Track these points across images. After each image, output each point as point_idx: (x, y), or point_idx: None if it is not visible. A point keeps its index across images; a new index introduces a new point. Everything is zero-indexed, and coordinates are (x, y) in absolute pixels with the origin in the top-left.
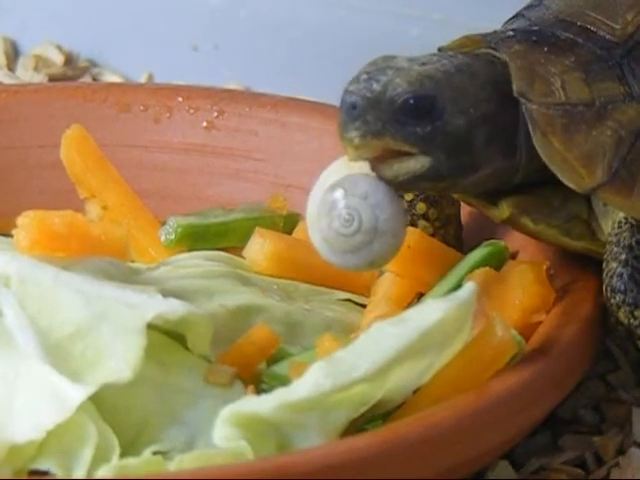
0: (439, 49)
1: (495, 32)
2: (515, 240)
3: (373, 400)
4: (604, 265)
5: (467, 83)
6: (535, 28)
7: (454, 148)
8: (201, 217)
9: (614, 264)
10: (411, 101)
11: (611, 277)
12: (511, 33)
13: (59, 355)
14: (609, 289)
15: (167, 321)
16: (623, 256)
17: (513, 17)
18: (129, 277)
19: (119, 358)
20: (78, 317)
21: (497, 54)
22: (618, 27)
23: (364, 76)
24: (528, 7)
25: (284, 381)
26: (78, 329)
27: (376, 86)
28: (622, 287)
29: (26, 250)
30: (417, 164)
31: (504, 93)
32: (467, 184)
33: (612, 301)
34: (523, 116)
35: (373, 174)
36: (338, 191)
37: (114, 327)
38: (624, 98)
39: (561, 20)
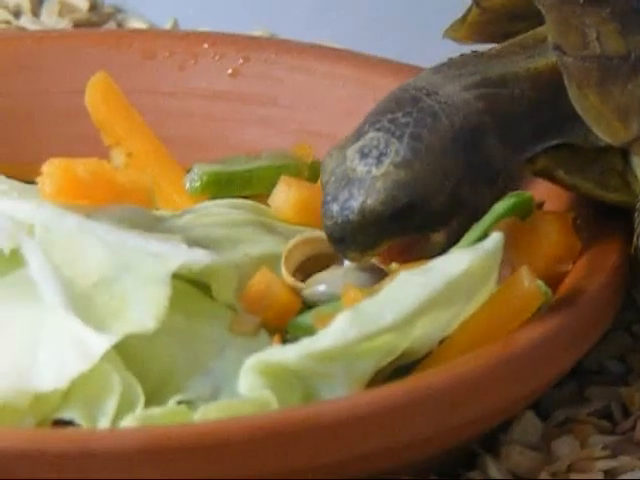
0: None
1: None
2: (541, 191)
3: (399, 350)
4: (636, 215)
5: (428, 164)
6: None
7: (447, 215)
8: (226, 165)
9: None
10: (391, 215)
11: None
12: None
13: (83, 305)
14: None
15: (191, 270)
16: None
17: None
18: (154, 225)
19: (143, 308)
20: (102, 267)
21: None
22: None
23: (335, 207)
24: None
25: (308, 331)
26: (102, 279)
27: (352, 216)
28: None
29: (50, 198)
30: (436, 239)
31: (468, 132)
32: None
33: None
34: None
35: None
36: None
37: (138, 277)
38: None
39: None
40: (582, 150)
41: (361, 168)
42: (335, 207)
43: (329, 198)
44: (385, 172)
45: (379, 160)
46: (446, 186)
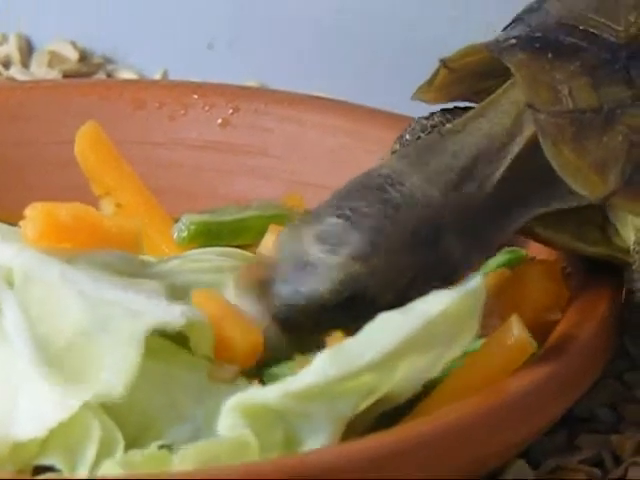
0: (441, 60)
1: (497, 40)
2: (533, 245)
3: (380, 391)
4: (631, 276)
5: (385, 260)
6: (538, 34)
7: (392, 308)
8: (215, 215)
9: None
10: (337, 305)
11: None
12: (514, 41)
13: (55, 363)
14: None
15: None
16: None
17: (513, 22)
18: (138, 271)
19: (114, 371)
20: (78, 324)
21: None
22: (621, 29)
23: (286, 289)
24: (528, 11)
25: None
26: (77, 337)
27: (302, 301)
28: None
29: (33, 242)
30: None
31: (428, 228)
32: None
33: None
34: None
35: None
36: None
37: (114, 336)
38: (632, 101)
39: (563, 24)
40: None
41: (316, 254)
42: (285, 289)
43: (280, 278)
44: (340, 262)
45: (335, 250)
46: (399, 284)
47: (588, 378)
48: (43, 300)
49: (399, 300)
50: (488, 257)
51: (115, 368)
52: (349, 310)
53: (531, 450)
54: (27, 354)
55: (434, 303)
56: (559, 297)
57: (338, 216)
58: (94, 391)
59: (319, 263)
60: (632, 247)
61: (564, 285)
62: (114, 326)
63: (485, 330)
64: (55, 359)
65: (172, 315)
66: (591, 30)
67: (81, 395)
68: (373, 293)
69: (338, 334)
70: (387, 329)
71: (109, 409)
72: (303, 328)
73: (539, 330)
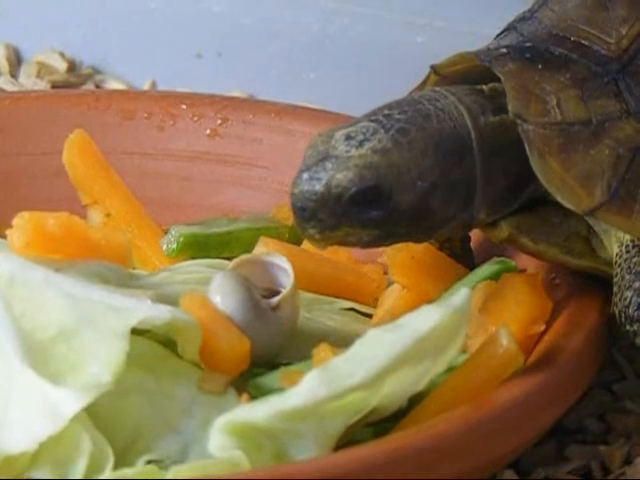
0: (432, 67)
1: (488, 49)
2: (523, 256)
3: (368, 408)
4: (616, 290)
5: (406, 157)
6: (528, 44)
7: (412, 220)
8: (204, 226)
9: (628, 293)
10: (356, 195)
11: (627, 306)
12: (504, 50)
13: (40, 357)
14: (623, 316)
15: (155, 326)
16: (637, 284)
17: (505, 30)
18: (126, 282)
19: (100, 362)
20: (62, 320)
21: (444, 91)
22: (612, 41)
23: (305, 175)
24: (520, 20)
25: (269, 393)
26: (61, 331)
27: (319, 187)
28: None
29: (20, 251)
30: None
31: (454, 142)
32: (431, 238)
33: (628, 328)
34: (477, 145)
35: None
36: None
37: (98, 331)
38: (621, 115)
39: (554, 35)
40: (547, 216)
41: (342, 147)
42: (305, 175)
43: (303, 167)
44: (362, 154)
45: (361, 144)
46: (418, 186)
47: (577, 389)
48: (27, 299)
49: (420, 205)
50: (507, 208)
51: (102, 359)
52: (367, 205)
53: (520, 460)
54: (10, 348)
55: (423, 320)
56: (543, 309)
57: (371, 120)
58: (83, 383)
59: (342, 155)
60: (615, 260)
61: (547, 296)
62: (99, 321)
63: (468, 344)
64: (39, 352)
65: (158, 311)
66: (582, 42)
67: (76, 402)
68: (390, 188)
69: (325, 352)
70: (377, 347)
71: (99, 421)
72: (319, 222)
73: (526, 343)
